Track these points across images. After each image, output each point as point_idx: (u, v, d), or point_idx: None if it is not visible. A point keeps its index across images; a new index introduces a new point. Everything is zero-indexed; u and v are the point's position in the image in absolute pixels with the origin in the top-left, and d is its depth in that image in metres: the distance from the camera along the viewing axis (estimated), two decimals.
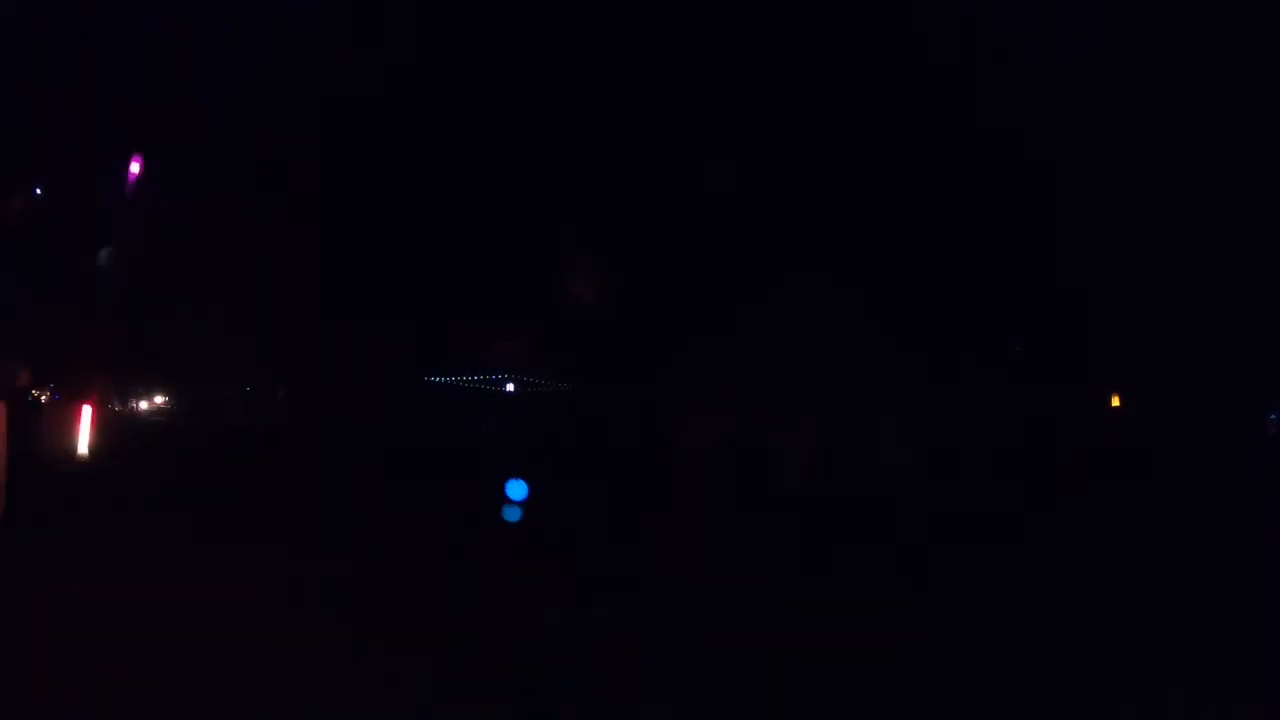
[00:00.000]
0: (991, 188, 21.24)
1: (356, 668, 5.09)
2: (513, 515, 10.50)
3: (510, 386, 32.28)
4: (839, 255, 20.46)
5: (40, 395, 32.54)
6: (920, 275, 20.74)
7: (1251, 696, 4.98)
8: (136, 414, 44.37)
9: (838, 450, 18.49)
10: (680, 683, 5.11)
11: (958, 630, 6.29)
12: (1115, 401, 22.89)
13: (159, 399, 46.96)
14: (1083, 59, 20.06)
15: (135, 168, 11.38)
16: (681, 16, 20.62)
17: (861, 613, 6.69)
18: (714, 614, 6.58)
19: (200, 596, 6.53)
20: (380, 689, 4.80)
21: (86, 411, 12.23)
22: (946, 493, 14.61)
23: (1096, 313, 21.38)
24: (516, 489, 10.83)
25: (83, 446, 12.01)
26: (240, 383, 36.37)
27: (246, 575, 7.24)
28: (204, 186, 23.41)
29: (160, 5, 20.30)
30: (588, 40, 21.37)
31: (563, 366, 28.54)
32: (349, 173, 24.74)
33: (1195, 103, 19.79)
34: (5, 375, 4.88)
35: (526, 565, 8.29)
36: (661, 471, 17.43)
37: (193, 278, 27.95)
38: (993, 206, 21.27)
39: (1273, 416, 21.63)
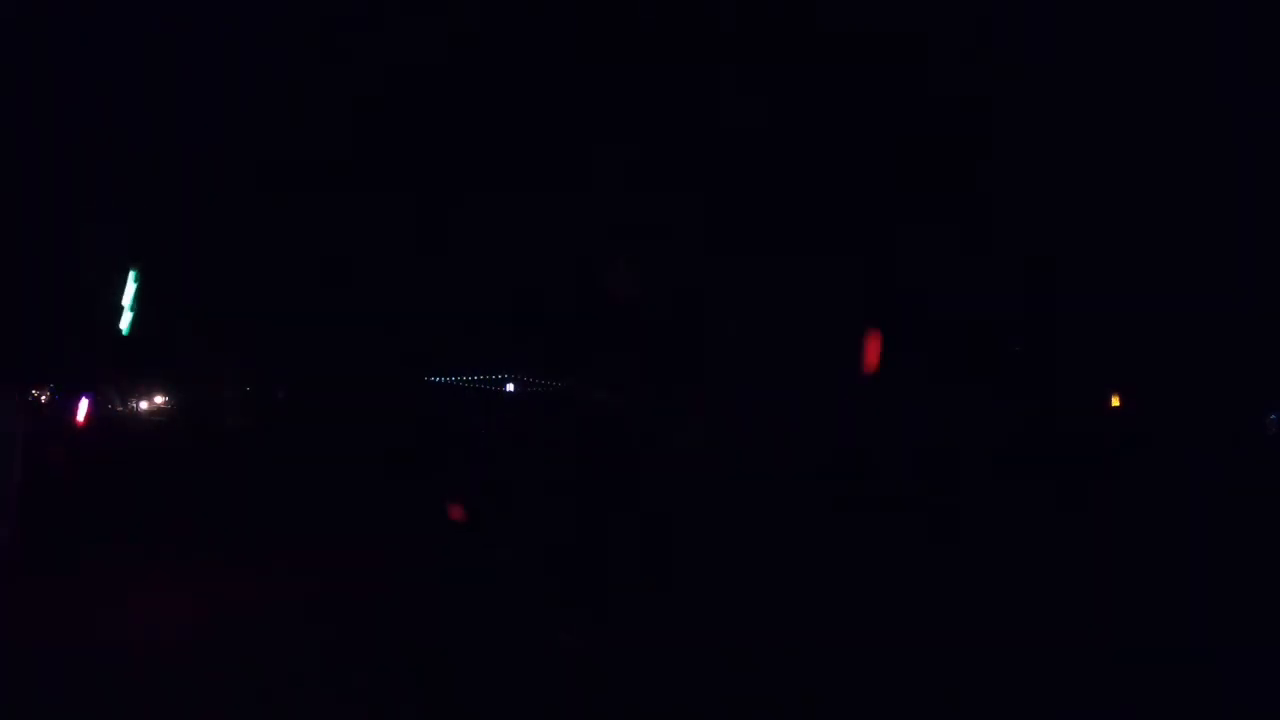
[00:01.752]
0: (991, 187, 21.24)
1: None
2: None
3: (510, 386, 32.27)
4: (839, 256, 20.46)
5: (40, 395, 32.52)
6: (921, 276, 20.73)
7: (1251, 694, 4.98)
8: (137, 414, 44.35)
9: (837, 449, 18.48)
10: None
11: (955, 629, 6.29)
12: (1115, 401, 22.88)
13: (159, 399, 46.92)
14: (1082, 59, 20.06)
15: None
16: (677, 16, 20.61)
17: (857, 613, 6.70)
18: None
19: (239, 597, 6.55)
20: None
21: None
22: (946, 492, 14.59)
23: (1096, 313, 21.37)
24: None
25: None
26: (240, 383, 36.34)
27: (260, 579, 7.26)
28: (204, 187, 23.42)
29: (159, 5, 20.30)
30: (589, 37, 21.36)
31: (562, 366, 28.53)
32: (350, 172, 24.74)
33: (1196, 103, 19.79)
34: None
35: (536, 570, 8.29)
36: (656, 472, 17.41)
37: (193, 279, 27.95)
38: (993, 206, 21.26)
39: (1273, 416, 21.61)
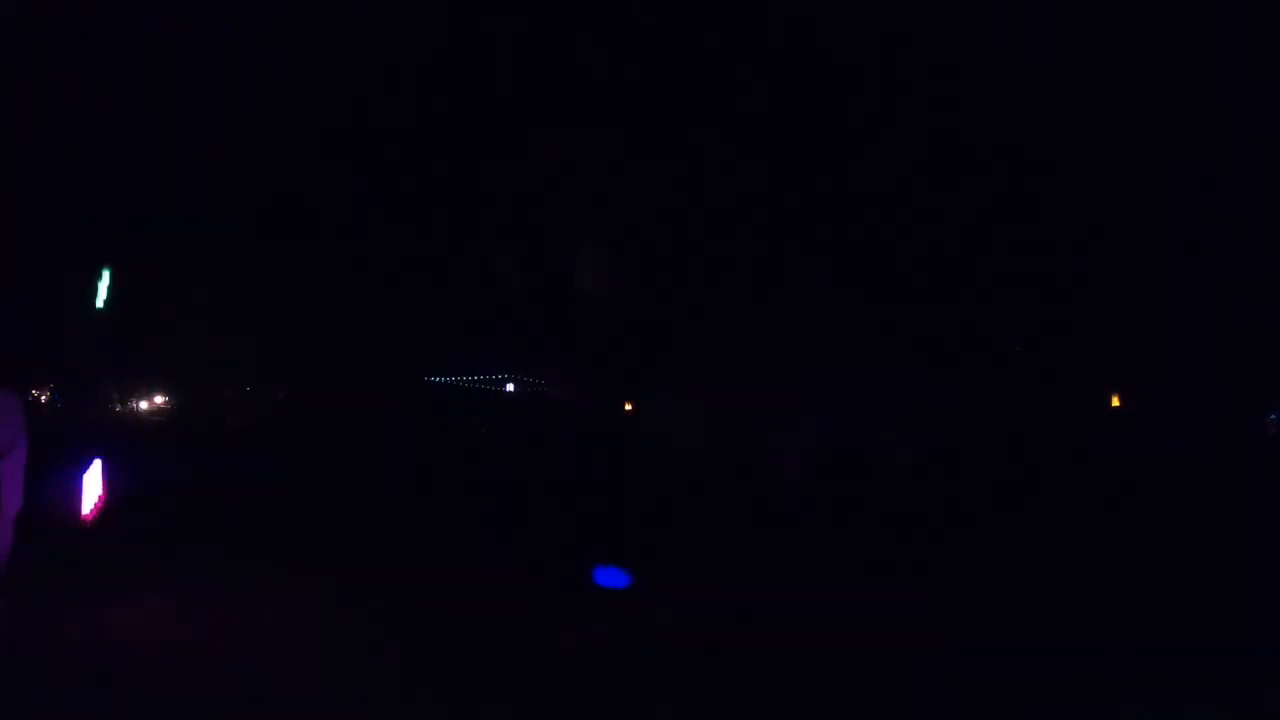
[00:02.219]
0: (991, 186, 21.24)
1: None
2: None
3: (510, 386, 32.30)
4: (835, 255, 20.48)
5: (40, 396, 32.50)
6: (920, 275, 20.74)
7: (1251, 694, 4.98)
8: (137, 414, 44.36)
9: (835, 449, 18.48)
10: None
11: (952, 630, 6.29)
12: (1115, 402, 22.87)
13: (159, 399, 46.92)
14: (1082, 57, 20.05)
15: None
16: (675, 15, 20.59)
17: (855, 612, 6.70)
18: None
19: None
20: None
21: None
22: (944, 492, 14.59)
23: (1096, 313, 21.36)
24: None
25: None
26: (240, 383, 36.37)
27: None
28: (205, 187, 23.45)
29: (159, 6, 20.31)
30: (587, 39, 21.36)
31: (562, 366, 28.52)
32: (350, 174, 24.75)
33: (1196, 102, 19.78)
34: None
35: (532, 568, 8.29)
36: (659, 468, 17.43)
37: (193, 278, 27.98)
38: (992, 205, 21.26)
39: (1273, 416, 21.60)
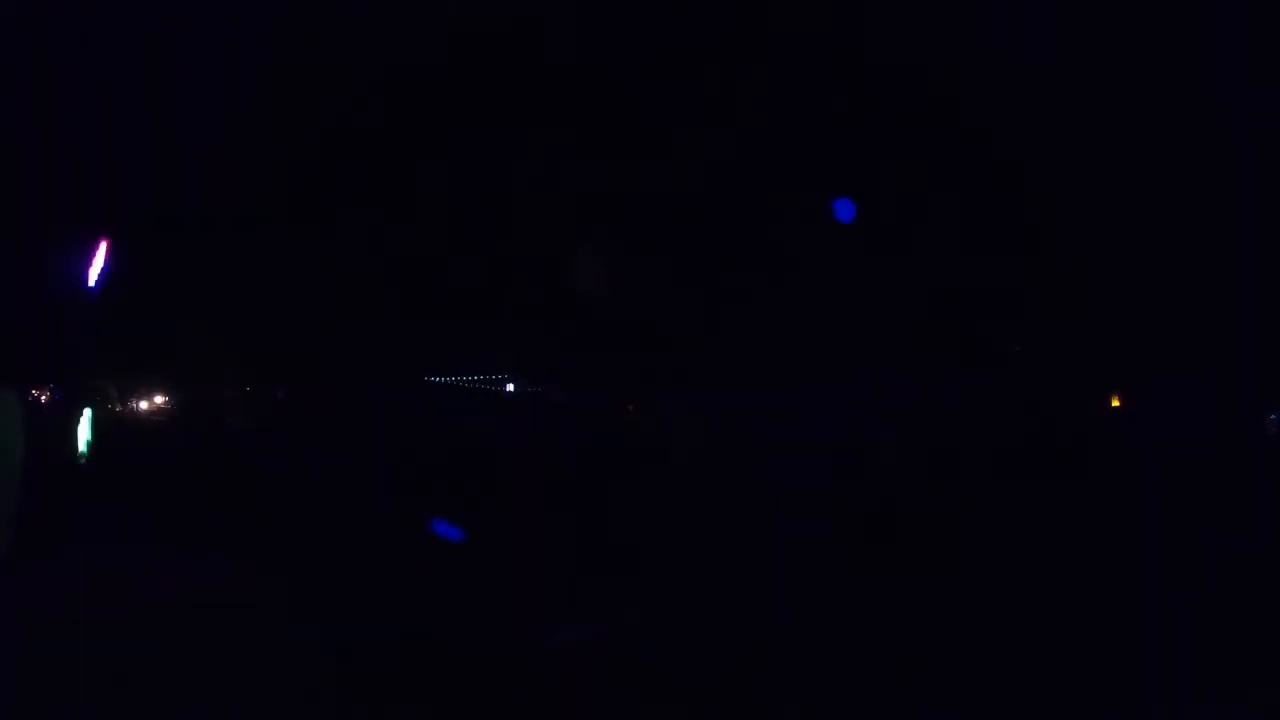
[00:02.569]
0: (990, 185, 21.24)
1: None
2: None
3: (510, 386, 32.27)
4: (835, 254, 20.49)
5: (40, 395, 32.48)
6: (918, 274, 20.75)
7: (1250, 695, 4.98)
8: (136, 414, 44.37)
9: (836, 449, 18.46)
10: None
11: (950, 629, 6.29)
12: (1115, 402, 22.87)
13: (159, 399, 46.95)
14: (1078, 55, 20.05)
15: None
16: (672, 14, 20.58)
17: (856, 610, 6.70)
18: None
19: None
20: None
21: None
22: (943, 492, 14.59)
23: (1096, 313, 21.36)
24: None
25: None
26: (240, 383, 36.35)
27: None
28: (203, 183, 23.45)
29: (160, 4, 20.30)
30: (585, 38, 21.36)
31: (563, 366, 28.51)
32: (350, 169, 24.76)
33: (1196, 101, 19.78)
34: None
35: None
36: (658, 468, 17.41)
37: (192, 277, 27.98)
38: (991, 204, 21.26)
39: (1273, 416, 21.59)
